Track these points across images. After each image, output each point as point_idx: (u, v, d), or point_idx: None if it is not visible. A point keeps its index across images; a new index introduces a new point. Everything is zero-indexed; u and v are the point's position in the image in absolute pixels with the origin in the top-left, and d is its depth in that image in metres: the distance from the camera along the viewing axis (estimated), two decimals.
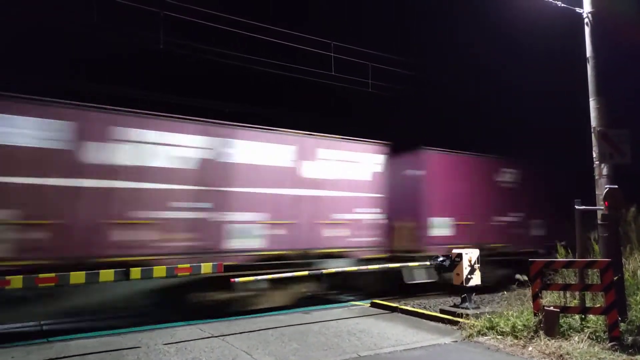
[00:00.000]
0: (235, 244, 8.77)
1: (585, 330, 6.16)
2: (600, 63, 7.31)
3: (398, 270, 10.03)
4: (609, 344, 5.79)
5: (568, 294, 6.99)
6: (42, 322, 7.83)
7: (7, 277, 6.50)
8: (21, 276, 6.55)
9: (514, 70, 16.95)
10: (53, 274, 6.74)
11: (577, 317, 6.55)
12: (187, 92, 14.55)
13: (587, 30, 7.46)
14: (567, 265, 7.03)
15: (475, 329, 6.80)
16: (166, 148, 8.26)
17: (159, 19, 10.44)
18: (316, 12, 17.95)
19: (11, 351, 6.19)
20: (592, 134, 7.15)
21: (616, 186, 6.82)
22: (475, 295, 8.51)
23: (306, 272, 8.84)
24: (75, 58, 13.18)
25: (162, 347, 6.36)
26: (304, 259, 9.43)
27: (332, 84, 13.45)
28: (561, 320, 6.36)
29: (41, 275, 6.67)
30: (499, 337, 6.49)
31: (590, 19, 7.41)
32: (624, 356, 5.51)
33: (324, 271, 8.96)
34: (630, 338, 5.98)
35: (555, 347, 5.81)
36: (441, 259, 9.22)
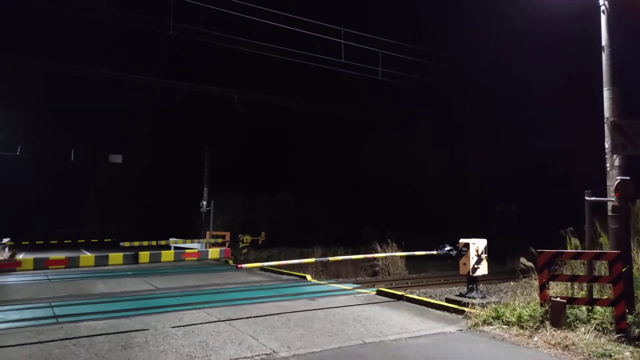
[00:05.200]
0: None
1: (592, 322, 6.12)
2: (615, 52, 7.17)
3: None
4: (616, 336, 5.76)
5: (575, 285, 6.96)
6: (52, 304, 7.95)
7: (18, 259, 6.62)
8: (32, 258, 6.69)
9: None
10: (63, 256, 6.88)
11: (583, 308, 6.51)
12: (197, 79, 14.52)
13: (603, 18, 7.31)
14: (576, 256, 6.99)
15: (481, 318, 6.79)
16: None
17: (169, 4, 10.40)
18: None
19: (22, 331, 6.31)
20: (605, 124, 7.05)
21: (628, 177, 6.73)
22: (481, 285, 8.51)
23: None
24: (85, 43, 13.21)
25: (169, 329, 6.45)
26: None
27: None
28: (568, 311, 6.33)
29: (52, 258, 6.81)
30: (505, 326, 6.49)
31: (607, 6, 7.26)
32: (631, 348, 5.49)
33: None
34: (637, 330, 5.93)
35: (561, 338, 5.80)
36: (448, 248, 9.21)
